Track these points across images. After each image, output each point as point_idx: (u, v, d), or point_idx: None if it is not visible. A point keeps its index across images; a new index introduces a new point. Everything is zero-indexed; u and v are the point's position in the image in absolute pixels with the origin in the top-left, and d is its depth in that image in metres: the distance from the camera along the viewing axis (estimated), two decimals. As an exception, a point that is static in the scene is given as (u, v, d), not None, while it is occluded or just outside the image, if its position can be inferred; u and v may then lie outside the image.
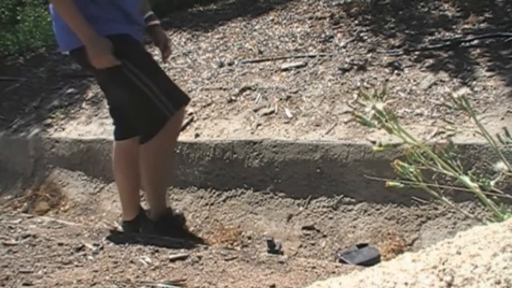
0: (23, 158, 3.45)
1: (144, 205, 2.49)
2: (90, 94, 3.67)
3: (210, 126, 2.77)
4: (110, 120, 3.11)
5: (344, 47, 3.09)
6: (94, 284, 1.38)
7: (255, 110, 2.75)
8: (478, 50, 2.62)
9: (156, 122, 2.15)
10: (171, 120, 2.16)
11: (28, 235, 1.80)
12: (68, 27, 2.00)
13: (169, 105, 2.16)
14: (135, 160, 2.29)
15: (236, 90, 2.98)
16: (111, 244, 1.73)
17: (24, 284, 1.40)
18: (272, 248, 2.14)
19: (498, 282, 0.61)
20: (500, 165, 0.95)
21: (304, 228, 2.32)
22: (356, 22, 3.36)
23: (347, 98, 2.59)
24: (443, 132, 2.09)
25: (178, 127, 2.33)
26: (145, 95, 2.11)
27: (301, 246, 2.29)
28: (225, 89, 3.05)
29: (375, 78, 2.68)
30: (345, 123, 2.42)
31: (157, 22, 2.37)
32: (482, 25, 2.87)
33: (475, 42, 2.71)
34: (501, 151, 0.98)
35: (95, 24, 1.99)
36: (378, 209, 2.20)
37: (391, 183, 1.01)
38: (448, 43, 2.79)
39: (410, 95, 2.45)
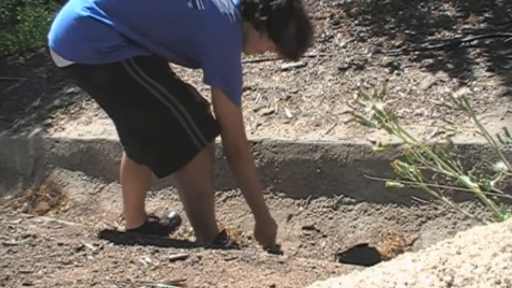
0: (23, 158, 3.45)
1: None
2: (90, 94, 3.67)
3: (210, 126, 2.76)
4: (110, 120, 3.11)
5: (344, 47, 3.09)
6: (94, 284, 1.38)
7: (255, 110, 2.75)
8: (478, 50, 2.62)
9: (183, 153, 1.92)
10: (204, 150, 1.94)
11: (28, 235, 1.80)
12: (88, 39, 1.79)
13: (200, 135, 1.93)
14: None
15: (236, 90, 2.98)
16: (111, 244, 1.73)
17: (24, 284, 1.40)
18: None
19: (498, 282, 0.61)
20: (500, 165, 0.95)
21: (304, 228, 2.33)
22: (356, 22, 3.36)
23: (347, 98, 2.59)
24: (443, 132, 2.09)
25: (210, 160, 2.11)
26: (176, 120, 1.88)
27: (301, 246, 2.29)
28: (225, 89, 3.05)
29: (375, 78, 2.68)
30: (345, 123, 2.42)
31: None
32: (482, 25, 2.87)
33: (475, 42, 2.71)
34: (501, 151, 0.98)
35: (121, 47, 1.80)
36: (378, 209, 2.20)
37: (391, 183, 1.01)
38: (448, 43, 2.79)
39: (410, 95, 2.45)
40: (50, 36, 1.92)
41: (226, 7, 1.90)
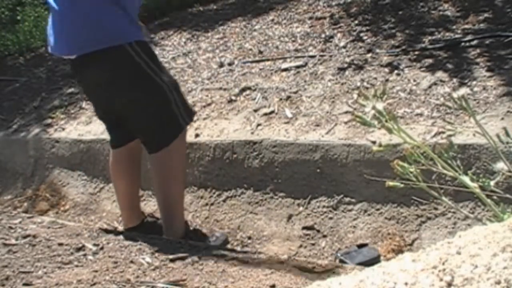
0: (23, 158, 3.45)
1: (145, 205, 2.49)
2: (90, 94, 3.67)
3: (210, 126, 2.77)
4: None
5: (344, 47, 3.09)
6: (94, 284, 1.38)
7: (255, 110, 2.75)
8: (478, 50, 2.62)
9: (172, 131, 2.09)
10: (184, 131, 2.15)
11: (28, 235, 1.80)
12: (99, 23, 1.92)
13: (185, 115, 2.13)
14: (137, 162, 2.29)
15: (236, 90, 2.98)
16: (111, 244, 1.73)
17: (24, 284, 1.40)
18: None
19: (498, 282, 0.62)
20: (500, 165, 0.95)
21: (304, 228, 2.33)
22: (356, 22, 3.36)
23: (347, 98, 2.59)
24: (443, 132, 2.09)
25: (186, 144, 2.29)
26: (169, 101, 2.05)
27: (301, 246, 2.29)
28: (225, 89, 3.05)
29: (375, 78, 2.68)
30: (345, 123, 2.42)
31: None
32: (482, 25, 2.87)
33: (475, 42, 2.71)
34: (501, 151, 0.98)
35: (130, 29, 1.96)
36: (378, 209, 2.20)
37: (391, 183, 1.01)
38: (448, 43, 2.79)
39: (410, 95, 2.45)
40: (52, 45, 2.03)
41: None
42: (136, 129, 2.16)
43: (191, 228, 2.36)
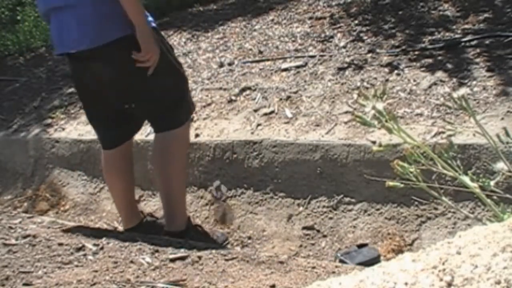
0: (23, 158, 3.45)
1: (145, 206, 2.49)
2: (90, 94, 3.67)
3: (210, 126, 2.77)
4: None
5: (344, 47, 3.09)
6: (94, 284, 1.38)
7: (255, 110, 2.75)
8: (478, 50, 2.62)
9: (183, 116, 2.20)
10: (189, 120, 2.29)
11: (28, 235, 1.80)
12: (110, 15, 1.91)
13: (192, 107, 2.31)
14: (130, 161, 2.30)
15: (236, 90, 2.98)
16: (111, 244, 1.73)
17: (24, 284, 1.40)
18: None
19: (498, 282, 0.62)
20: (500, 165, 0.95)
21: (304, 228, 2.33)
22: (356, 22, 3.36)
23: (347, 98, 2.59)
24: (443, 132, 2.09)
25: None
26: (185, 90, 2.24)
27: (301, 246, 2.29)
28: (225, 89, 3.05)
29: (375, 78, 2.68)
30: (345, 123, 2.42)
31: None
32: (482, 25, 2.87)
33: (475, 42, 2.71)
34: (501, 151, 0.98)
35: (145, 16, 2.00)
36: (378, 209, 2.20)
37: (391, 183, 1.01)
38: (447, 43, 2.79)
39: (410, 95, 2.45)
40: (59, 44, 2.02)
41: None
42: (149, 109, 2.18)
43: (193, 224, 2.37)
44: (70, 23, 1.95)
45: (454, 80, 2.45)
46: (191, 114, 2.32)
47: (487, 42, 2.68)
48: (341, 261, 1.98)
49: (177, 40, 4.03)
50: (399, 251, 2.05)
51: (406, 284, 0.65)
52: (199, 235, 2.23)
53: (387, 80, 2.63)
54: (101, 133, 2.29)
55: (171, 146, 2.17)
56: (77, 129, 3.29)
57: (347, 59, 2.93)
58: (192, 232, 2.23)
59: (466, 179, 0.93)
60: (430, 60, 2.68)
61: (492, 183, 0.95)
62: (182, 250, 1.65)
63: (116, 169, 2.28)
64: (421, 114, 2.30)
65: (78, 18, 1.93)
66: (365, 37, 3.14)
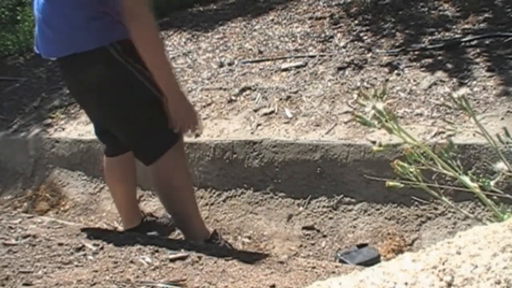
0: (23, 158, 3.45)
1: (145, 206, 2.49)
2: (90, 94, 3.67)
3: (210, 126, 2.77)
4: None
5: (344, 47, 3.09)
6: (94, 284, 1.38)
7: (255, 110, 2.75)
8: (478, 50, 2.62)
9: (170, 137, 1.92)
10: (177, 144, 1.96)
11: (28, 235, 1.80)
12: (82, 27, 1.77)
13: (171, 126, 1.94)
14: (131, 164, 2.25)
15: (236, 90, 2.98)
16: (111, 244, 1.73)
17: (24, 284, 1.40)
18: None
19: (498, 282, 0.62)
20: (500, 165, 0.95)
21: (304, 228, 2.33)
22: (356, 22, 3.36)
23: (347, 98, 2.59)
24: (443, 132, 2.09)
25: (184, 152, 2.13)
26: (161, 104, 1.88)
27: (301, 246, 2.29)
28: (225, 89, 3.05)
29: (375, 78, 2.68)
30: (345, 123, 2.42)
31: None
32: (482, 25, 2.87)
33: (475, 42, 2.71)
34: (501, 151, 0.98)
35: (117, 28, 1.79)
36: (378, 209, 2.20)
37: (391, 183, 1.01)
38: (447, 43, 2.79)
39: (410, 95, 2.45)
40: (37, 46, 1.95)
41: None
42: (124, 140, 2.02)
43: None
44: (46, 30, 1.86)
45: (454, 80, 2.45)
46: (172, 143, 1.94)
47: (487, 42, 2.68)
48: (341, 261, 1.98)
49: (177, 40, 4.03)
50: (399, 251, 2.05)
51: (406, 284, 0.65)
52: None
53: (387, 80, 2.63)
54: (102, 138, 2.21)
55: (161, 178, 1.99)
56: (77, 129, 3.29)
57: (347, 59, 2.93)
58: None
59: (466, 179, 0.93)
60: (430, 60, 2.68)
61: (492, 183, 0.95)
62: (182, 250, 1.65)
63: (116, 174, 2.22)
64: (421, 114, 2.30)
65: (52, 27, 1.84)
66: (365, 37, 3.14)
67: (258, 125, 2.64)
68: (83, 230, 1.95)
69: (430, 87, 2.47)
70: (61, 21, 1.82)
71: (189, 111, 1.92)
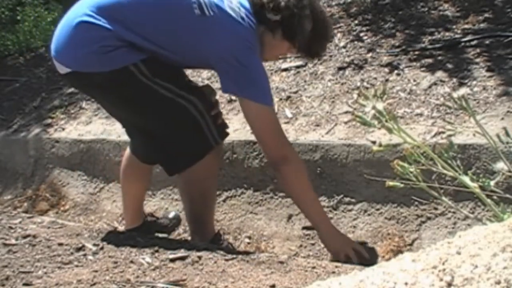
0: (23, 158, 3.45)
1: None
2: (90, 94, 3.67)
3: (210, 126, 2.76)
4: (110, 120, 3.11)
5: (344, 47, 3.09)
6: (94, 284, 1.38)
7: (255, 110, 2.75)
8: (478, 50, 2.62)
9: (199, 150, 1.91)
10: (215, 149, 1.94)
11: (28, 235, 1.80)
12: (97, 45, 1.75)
13: (215, 132, 1.92)
14: (150, 167, 2.22)
15: (236, 90, 2.98)
16: (111, 244, 1.73)
17: (24, 284, 1.40)
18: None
19: (498, 282, 0.62)
20: (500, 165, 0.95)
21: (304, 228, 2.33)
22: (356, 22, 3.36)
23: (347, 98, 2.59)
24: (443, 132, 2.09)
25: (219, 161, 2.12)
26: (194, 118, 1.87)
27: (301, 246, 2.29)
28: (225, 89, 3.04)
29: (375, 78, 2.68)
30: (345, 123, 2.42)
31: None
32: (482, 25, 2.87)
33: (475, 42, 2.71)
34: (501, 151, 0.98)
35: (126, 51, 1.77)
36: (378, 209, 2.20)
37: (391, 183, 1.01)
38: (447, 43, 2.79)
39: (410, 95, 2.45)
40: (52, 45, 1.90)
41: (237, 12, 1.82)
42: (151, 151, 2.01)
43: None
44: (66, 41, 1.83)
45: (454, 80, 2.45)
46: (214, 144, 1.92)
47: (487, 42, 2.68)
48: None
49: (177, 40, 4.03)
50: (398, 251, 2.05)
51: (406, 284, 0.65)
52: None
53: (387, 80, 2.63)
54: (131, 137, 2.15)
55: (186, 190, 2.01)
56: (77, 129, 3.29)
57: (347, 59, 2.93)
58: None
59: (466, 179, 0.94)
60: (430, 60, 2.68)
61: (492, 183, 0.95)
62: (182, 250, 1.65)
63: (134, 173, 2.19)
64: (421, 114, 2.30)
65: (73, 40, 1.81)
66: (365, 37, 3.14)
67: (258, 125, 2.63)
68: (83, 230, 1.95)
69: (430, 87, 2.47)
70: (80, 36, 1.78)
71: (345, 243, 1.90)
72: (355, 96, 2.57)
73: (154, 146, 1.97)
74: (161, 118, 1.88)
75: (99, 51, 1.75)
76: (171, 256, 1.59)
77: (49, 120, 3.55)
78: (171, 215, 2.52)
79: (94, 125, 3.23)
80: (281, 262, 1.58)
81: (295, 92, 2.78)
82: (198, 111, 1.87)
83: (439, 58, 2.68)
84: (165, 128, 1.89)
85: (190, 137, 1.89)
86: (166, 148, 1.94)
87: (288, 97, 2.76)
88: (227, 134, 2.04)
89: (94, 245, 1.71)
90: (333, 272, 1.53)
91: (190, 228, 2.15)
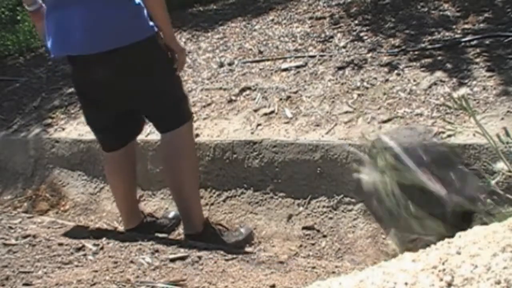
0: (23, 158, 3.45)
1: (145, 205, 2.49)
2: (90, 94, 3.67)
3: (210, 126, 2.77)
4: (110, 120, 3.10)
5: (344, 47, 3.09)
6: (94, 284, 1.38)
7: (255, 110, 2.75)
8: (478, 50, 2.63)
9: (186, 115, 2.20)
10: (192, 118, 2.27)
11: (28, 235, 1.80)
12: (120, 20, 1.93)
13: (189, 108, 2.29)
14: (133, 162, 2.29)
15: (236, 90, 2.98)
16: (111, 244, 1.73)
17: (24, 284, 1.40)
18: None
19: (498, 282, 0.62)
20: (500, 165, 0.95)
21: (304, 228, 2.33)
22: (356, 22, 3.36)
23: (347, 98, 2.59)
24: (443, 132, 2.09)
25: None
26: (181, 84, 2.25)
27: (301, 246, 2.29)
28: (225, 89, 3.05)
29: (375, 78, 2.68)
30: (345, 123, 2.42)
31: None
32: (482, 25, 2.87)
33: (475, 42, 2.71)
34: (501, 151, 0.98)
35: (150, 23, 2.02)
36: (378, 209, 2.20)
37: (391, 183, 1.01)
38: (447, 43, 2.79)
39: (410, 95, 2.45)
40: (70, 45, 1.93)
41: None
42: (152, 110, 2.19)
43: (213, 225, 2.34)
44: (75, 23, 1.87)
45: (454, 80, 2.45)
46: (191, 112, 2.29)
47: (487, 42, 2.68)
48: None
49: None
50: (399, 251, 2.05)
51: (406, 284, 0.65)
52: (216, 237, 2.20)
53: (387, 80, 2.63)
54: (101, 136, 2.26)
55: (178, 144, 2.17)
56: (77, 129, 3.29)
57: (347, 59, 2.93)
58: (210, 234, 2.19)
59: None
60: (430, 60, 2.68)
61: (492, 183, 0.95)
62: (182, 250, 1.65)
63: (118, 170, 2.26)
64: (421, 114, 2.30)
65: (84, 18, 1.87)
66: (365, 37, 3.14)
67: (258, 125, 2.64)
68: (83, 230, 1.95)
69: (430, 87, 2.47)
70: (117, 13, 1.93)
71: (185, 57, 2.24)
72: (355, 96, 2.57)
73: (164, 104, 2.16)
74: (173, 77, 2.17)
75: (132, 22, 1.96)
76: (171, 256, 1.60)
77: (49, 120, 3.55)
78: (170, 215, 2.53)
79: (94, 125, 3.23)
80: (281, 262, 1.58)
81: (295, 92, 2.78)
82: (181, 79, 2.26)
83: (439, 58, 2.68)
84: (175, 85, 2.19)
85: (181, 101, 2.20)
86: (177, 103, 2.17)
87: (288, 97, 2.76)
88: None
89: (94, 245, 1.71)
90: (333, 272, 1.54)
91: (181, 205, 2.21)
